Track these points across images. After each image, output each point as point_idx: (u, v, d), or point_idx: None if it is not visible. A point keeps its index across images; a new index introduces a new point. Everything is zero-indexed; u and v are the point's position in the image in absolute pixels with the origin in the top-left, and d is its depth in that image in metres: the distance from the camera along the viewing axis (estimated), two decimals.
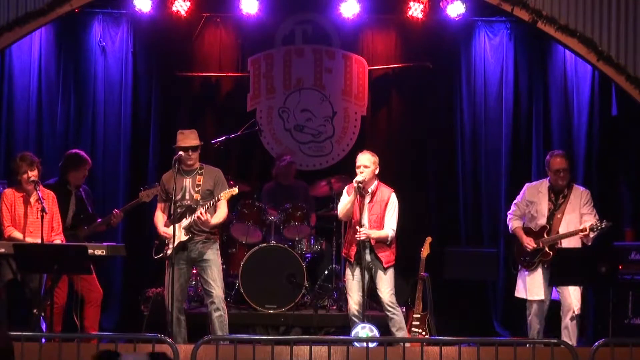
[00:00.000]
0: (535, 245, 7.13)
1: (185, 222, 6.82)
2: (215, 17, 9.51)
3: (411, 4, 8.97)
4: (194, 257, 6.88)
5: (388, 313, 6.94)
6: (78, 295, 7.10)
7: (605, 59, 7.56)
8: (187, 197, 6.88)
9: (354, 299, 6.89)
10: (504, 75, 9.34)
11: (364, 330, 6.91)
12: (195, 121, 9.53)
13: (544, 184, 7.30)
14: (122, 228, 8.89)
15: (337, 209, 8.64)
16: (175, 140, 6.94)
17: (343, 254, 7.14)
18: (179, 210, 6.85)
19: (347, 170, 9.48)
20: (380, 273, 6.91)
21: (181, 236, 6.81)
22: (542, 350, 5.69)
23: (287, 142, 9.70)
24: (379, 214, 6.92)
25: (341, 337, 7.20)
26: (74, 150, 7.63)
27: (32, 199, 6.95)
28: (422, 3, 8.96)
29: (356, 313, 6.89)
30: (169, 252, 6.78)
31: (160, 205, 7.05)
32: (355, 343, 6.28)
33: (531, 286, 7.16)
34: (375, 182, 7.00)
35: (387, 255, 6.91)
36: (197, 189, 6.86)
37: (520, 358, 5.40)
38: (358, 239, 6.79)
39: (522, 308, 8.22)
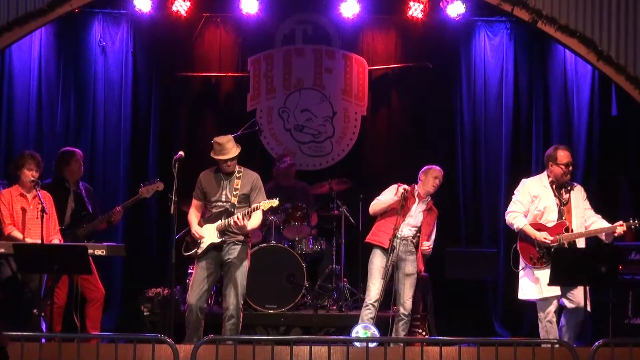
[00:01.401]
0: (552, 240, 6.82)
1: (219, 224, 6.79)
2: (215, 17, 9.52)
3: (411, 4, 8.98)
4: (224, 258, 6.82)
5: (404, 317, 7.04)
6: (78, 295, 7.09)
7: (605, 59, 7.57)
8: (224, 199, 6.83)
9: (377, 288, 6.96)
10: (504, 75, 9.34)
11: (364, 331, 6.93)
12: (195, 121, 9.57)
13: (544, 179, 7.03)
14: (122, 228, 8.90)
15: (337, 210, 8.73)
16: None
17: (374, 241, 7.11)
18: (214, 211, 6.84)
19: (346, 170, 9.52)
20: (407, 277, 7.04)
21: (214, 238, 6.79)
22: (542, 350, 5.69)
23: (287, 142, 9.70)
24: (431, 226, 7.19)
25: (341, 337, 7.21)
26: (62, 149, 7.64)
27: (30, 197, 6.95)
28: (422, 3, 8.96)
29: (375, 303, 6.95)
30: (199, 251, 6.78)
31: (195, 203, 6.95)
32: (355, 343, 6.28)
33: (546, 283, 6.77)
34: None
35: (421, 262, 7.16)
36: (234, 193, 6.80)
37: (521, 358, 5.40)
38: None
39: (522, 308, 8.22)
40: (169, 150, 8.50)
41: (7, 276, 6.86)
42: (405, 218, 7.08)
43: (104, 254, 6.84)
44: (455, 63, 9.51)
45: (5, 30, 7.57)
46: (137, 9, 8.85)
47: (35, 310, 6.61)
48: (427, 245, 7.14)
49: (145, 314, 8.08)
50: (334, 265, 8.69)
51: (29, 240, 6.83)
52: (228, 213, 6.77)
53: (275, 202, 6.69)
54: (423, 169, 7.24)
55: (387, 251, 6.99)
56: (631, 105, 7.89)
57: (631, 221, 6.79)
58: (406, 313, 7.04)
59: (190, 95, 9.63)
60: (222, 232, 6.78)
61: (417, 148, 9.59)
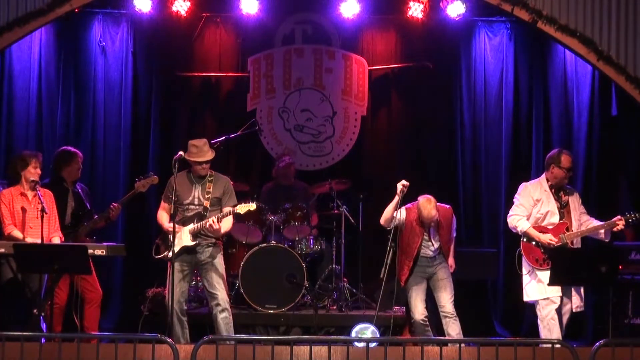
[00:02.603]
0: (557, 241, 6.89)
1: (192, 227, 6.85)
2: (215, 17, 9.52)
3: (411, 4, 8.98)
4: (198, 260, 6.92)
5: (448, 320, 7.11)
6: (78, 295, 7.10)
7: (605, 59, 7.57)
8: (197, 203, 6.94)
9: (419, 309, 7.11)
10: (504, 75, 9.34)
11: (363, 330, 6.92)
12: (195, 121, 9.57)
13: (544, 183, 7.12)
14: (122, 228, 8.90)
15: (337, 210, 8.74)
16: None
17: (399, 278, 7.19)
18: (187, 214, 6.90)
19: (346, 170, 9.52)
20: (441, 281, 7.16)
21: (187, 241, 6.86)
22: (542, 350, 5.69)
23: (287, 142, 9.70)
24: (448, 233, 7.23)
25: (341, 337, 7.22)
26: (61, 148, 7.63)
27: (30, 196, 6.96)
28: (422, 3, 8.96)
29: (421, 322, 7.12)
30: (171, 254, 6.80)
31: (164, 205, 7.04)
32: (355, 343, 6.28)
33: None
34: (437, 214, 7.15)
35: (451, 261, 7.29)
36: (206, 196, 6.92)
37: (521, 358, 5.40)
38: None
39: (522, 308, 8.24)
40: (169, 150, 8.50)
41: (7, 276, 6.86)
42: (431, 247, 7.18)
43: (104, 254, 6.84)
44: (455, 63, 9.50)
45: (5, 30, 7.57)
46: (137, 9, 8.84)
47: (35, 310, 6.61)
48: (452, 265, 7.28)
49: (145, 314, 8.08)
50: (334, 265, 8.69)
51: (29, 240, 6.83)
52: (200, 216, 6.89)
53: (252, 206, 6.82)
54: (418, 204, 7.12)
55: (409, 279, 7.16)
56: (631, 105, 7.89)
57: (627, 215, 6.84)
58: (448, 314, 7.12)
59: (190, 95, 9.63)
60: (195, 235, 6.88)
61: (417, 148, 9.59)
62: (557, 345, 5.52)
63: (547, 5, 7.61)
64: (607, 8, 7.60)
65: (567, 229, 6.94)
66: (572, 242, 6.97)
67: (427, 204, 7.02)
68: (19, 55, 8.92)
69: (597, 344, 5.27)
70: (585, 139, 8.99)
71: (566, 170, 7.03)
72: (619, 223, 6.90)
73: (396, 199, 7.07)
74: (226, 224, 6.92)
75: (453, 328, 7.09)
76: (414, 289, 7.16)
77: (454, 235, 7.35)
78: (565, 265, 6.46)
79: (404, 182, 7.05)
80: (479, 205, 9.36)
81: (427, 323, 7.14)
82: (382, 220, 7.22)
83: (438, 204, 7.13)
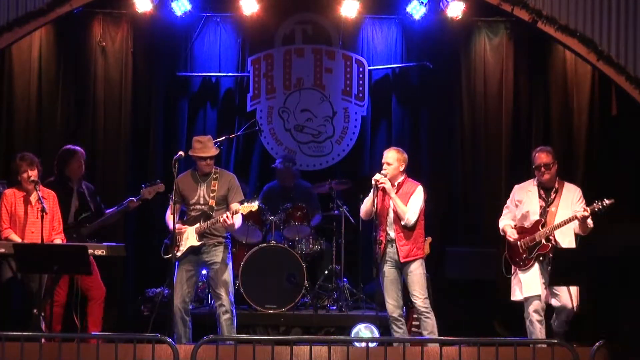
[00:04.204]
0: (517, 237, 7.04)
1: (198, 226, 6.84)
2: (215, 17, 9.52)
3: (411, 3, 8.97)
4: (205, 260, 6.91)
5: (421, 317, 6.93)
6: (79, 294, 7.11)
7: (605, 59, 7.57)
8: (202, 202, 6.94)
9: (391, 302, 6.90)
10: (504, 75, 9.33)
11: (363, 331, 6.91)
12: (195, 121, 9.57)
13: (531, 183, 7.21)
14: (123, 228, 8.89)
15: (337, 210, 8.74)
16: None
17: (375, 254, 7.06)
18: (192, 214, 6.90)
19: (346, 170, 9.52)
20: (409, 276, 6.91)
21: (193, 241, 6.86)
22: (542, 350, 5.69)
23: (287, 142, 9.70)
24: (403, 205, 6.98)
25: (341, 337, 7.22)
26: (64, 147, 7.64)
27: (33, 199, 6.95)
28: (423, 3, 8.95)
29: (395, 316, 6.90)
30: (178, 253, 6.81)
31: (171, 206, 7.02)
32: (355, 343, 6.28)
33: (528, 282, 6.98)
34: (402, 177, 7.10)
35: (407, 250, 6.89)
36: (212, 195, 6.91)
37: (521, 358, 5.40)
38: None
39: (521, 308, 8.24)
40: (169, 150, 8.51)
41: (7, 276, 6.87)
42: (389, 212, 6.97)
43: (104, 254, 6.85)
44: (455, 63, 9.50)
45: (5, 30, 7.58)
46: (137, 9, 8.83)
47: (35, 310, 6.62)
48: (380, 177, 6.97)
49: (145, 314, 8.09)
50: (334, 265, 8.70)
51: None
52: (206, 216, 6.89)
53: (254, 207, 6.80)
54: None
55: (382, 262, 6.94)
56: (631, 105, 7.89)
57: (594, 204, 6.79)
58: (422, 312, 6.87)
59: (190, 95, 9.63)
60: (202, 234, 6.87)
61: (416, 148, 9.58)
62: (557, 346, 5.53)
63: (547, 5, 7.61)
64: (607, 8, 7.60)
65: (543, 227, 7.00)
66: (553, 241, 6.96)
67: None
68: (19, 54, 8.91)
69: (597, 344, 5.27)
70: (585, 139, 8.99)
71: (536, 169, 7.12)
72: (579, 214, 6.80)
73: (371, 193, 7.01)
74: (238, 220, 6.94)
75: (424, 326, 6.91)
76: (383, 281, 6.94)
77: (413, 209, 6.92)
78: (565, 265, 6.46)
79: (377, 176, 6.98)
80: (479, 205, 9.35)
81: (401, 320, 6.91)
82: (361, 214, 7.18)
83: (411, 179, 7.09)
